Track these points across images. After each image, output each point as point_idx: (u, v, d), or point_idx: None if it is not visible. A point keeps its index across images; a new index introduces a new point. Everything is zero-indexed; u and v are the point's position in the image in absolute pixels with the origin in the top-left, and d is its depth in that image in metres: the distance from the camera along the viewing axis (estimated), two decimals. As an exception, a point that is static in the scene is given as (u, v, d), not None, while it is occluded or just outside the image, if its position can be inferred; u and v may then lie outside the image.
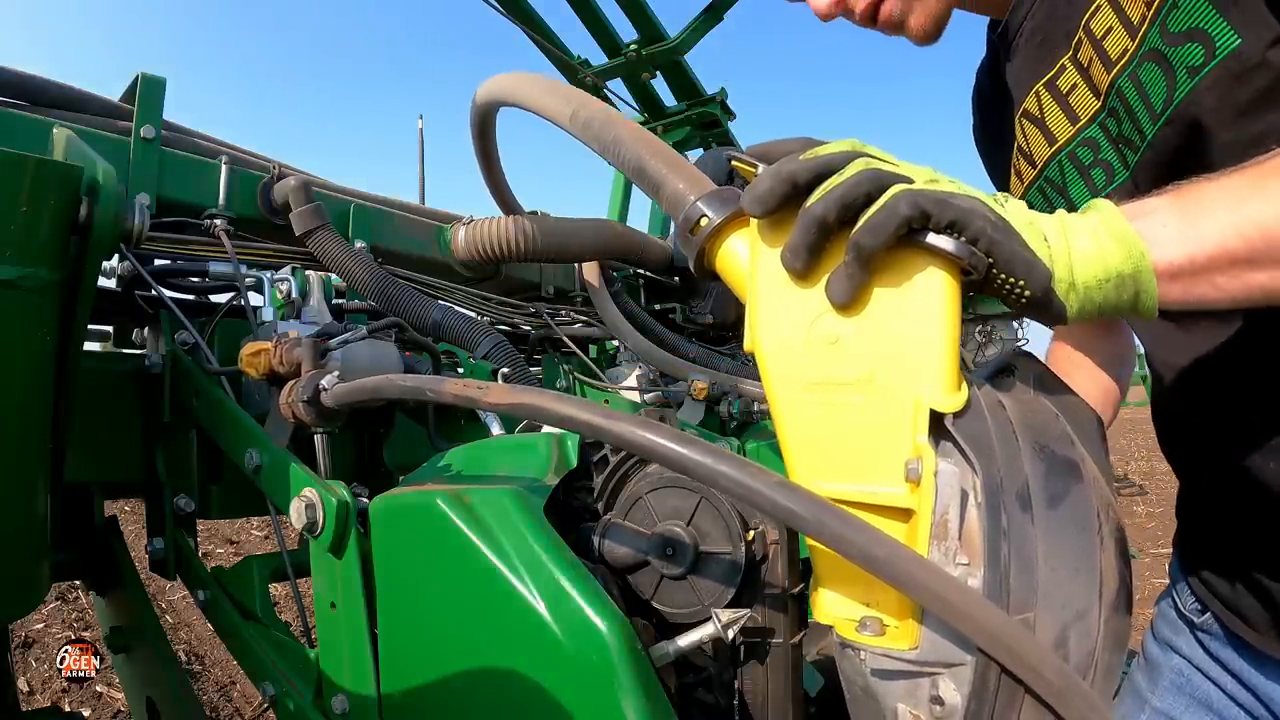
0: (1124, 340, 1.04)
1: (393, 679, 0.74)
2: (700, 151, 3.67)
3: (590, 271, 1.92)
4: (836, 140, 0.55)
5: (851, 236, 0.50)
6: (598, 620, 0.59)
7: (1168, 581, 0.96)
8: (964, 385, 0.52)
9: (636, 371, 1.98)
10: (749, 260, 0.58)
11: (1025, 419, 0.54)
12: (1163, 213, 0.52)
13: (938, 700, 0.50)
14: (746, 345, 0.57)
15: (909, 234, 0.50)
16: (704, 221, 0.62)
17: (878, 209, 0.49)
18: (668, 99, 3.58)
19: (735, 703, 0.70)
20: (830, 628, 0.56)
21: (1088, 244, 0.51)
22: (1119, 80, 0.71)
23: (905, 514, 0.52)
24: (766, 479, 0.47)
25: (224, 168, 1.31)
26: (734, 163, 0.61)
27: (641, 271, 2.14)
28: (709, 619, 0.65)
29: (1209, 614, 0.86)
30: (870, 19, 0.86)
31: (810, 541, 0.54)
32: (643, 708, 0.58)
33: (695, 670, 0.73)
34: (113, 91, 1.36)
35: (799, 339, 0.54)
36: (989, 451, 0.50)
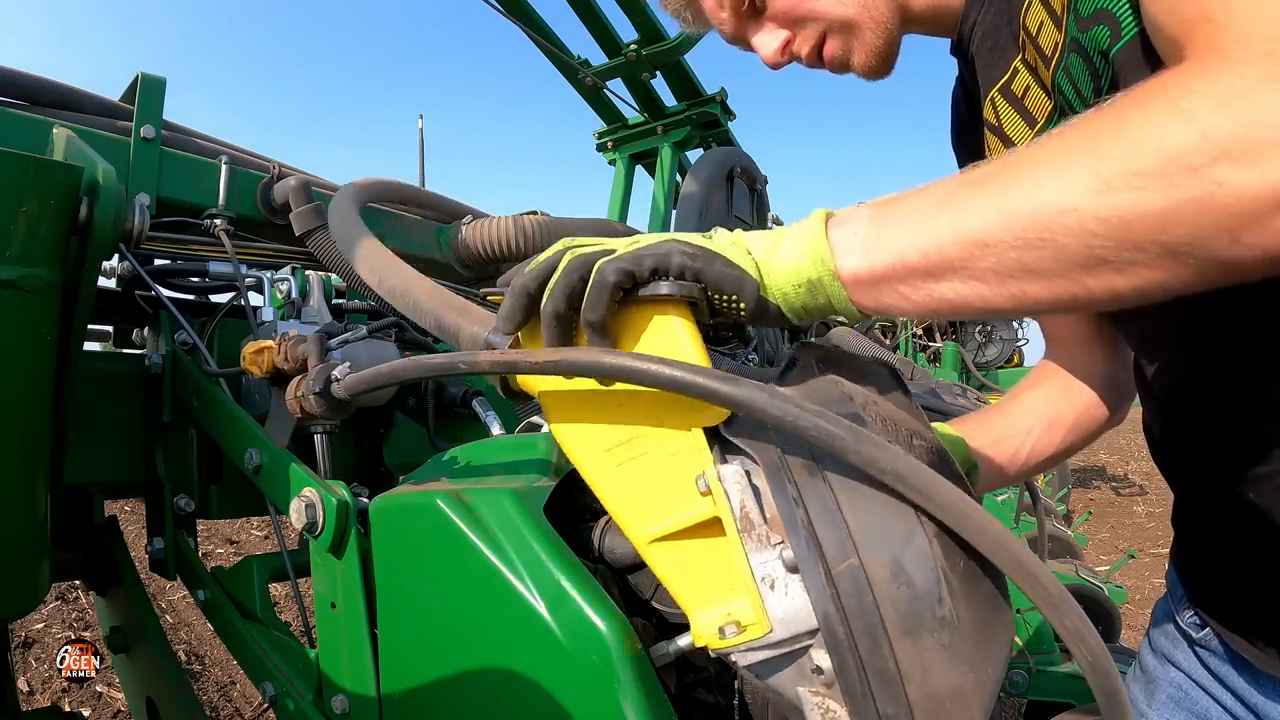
0: (1121, 360, 0.99)
1: (393, 679, 0.74)
2: (700, 151, 3.67)
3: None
4: (553, 245, 0.61)
5: (581, 318, 0.56)
6: (598, 620, 0.59)
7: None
8: None
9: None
10: None
11: (806, 397, 0.57)
12: (858, 222, 0.55)
13: (818, 670, 0.53)
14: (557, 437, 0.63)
15: (628, 294, 0.56)
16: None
17: (591, 287, 0.55)
18: (668, 99, 3.58)
19: (735, 703, 0.70)
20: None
21: (786, 253, 0.56)
22: (1056, 77, 0.70)
23: (716, 523, 0.56)
24: (786, 402, 0.49)
25: (224, 168, 1.31)
26: (488, 296, 0.68)
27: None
28: (709, 619, 0.65)
29: (1208, 629, 0.84)
30: (817, 60, 0.89)
31: (663, 575, 0.58)
32: (643, 708, 0.58)
33: (695, 670, 0.73)
34: (113, 91, 1.37)
35: (587, 417, 0.60)
36: (764, 439, 0.55)
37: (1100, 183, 0.45)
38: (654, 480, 0.58)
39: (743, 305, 0.55)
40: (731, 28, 0.92)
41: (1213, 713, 0.85)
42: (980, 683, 0.52)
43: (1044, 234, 0.46)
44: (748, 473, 0.56)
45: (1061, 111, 0.74)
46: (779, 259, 0.56)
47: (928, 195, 0.53)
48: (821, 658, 0.52)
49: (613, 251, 0.56)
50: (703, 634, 0.56)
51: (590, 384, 0.59)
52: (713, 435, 0.57)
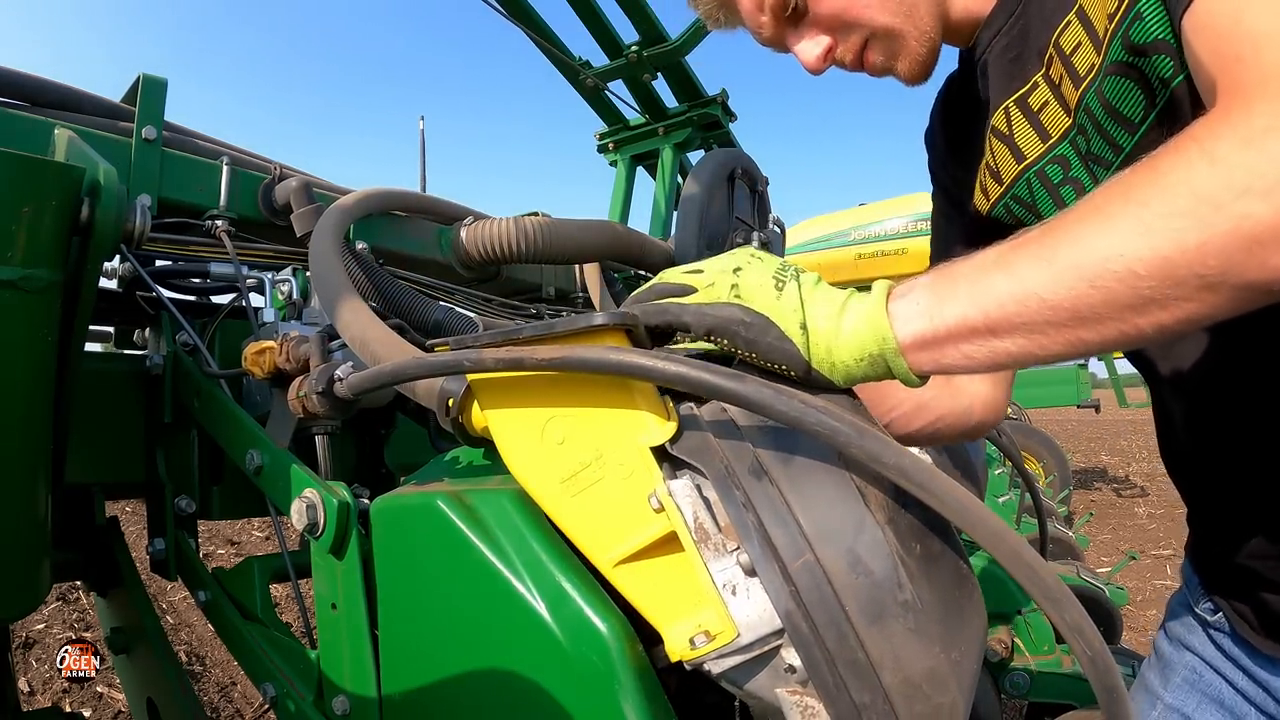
0: (1003, 384, 1.02)
1: (393, 680, 0.74)
2: (701, 153, 3.67)
3: (591, 273, 1.91)
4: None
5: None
6: (598, 620, 0.59)
7: (1171, 582, 0.95)
8: (673, 413, 0.60)
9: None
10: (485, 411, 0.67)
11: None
12: (919, 291, 0.58)
13: (791, 669, 0.53)
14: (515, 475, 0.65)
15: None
16: (451, 402, 0.72)
17: (656, 307, 0.62)
18: (669, 100, 3.59)
19: (735, 703, 0.70)
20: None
21: (848, 327, 0.58)
22: (1086, 96, 0.72)
23: (673, 538, 0.57)
24: (791, 399, 0.50)
25: (225, 169, 1.31)
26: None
27: (642, 273, 2.14)
28: (709, 620, 0.65)
29: (1221, 614, 0.87)
30: (859, 66, 0.90)
31: (631, 596, 0.59)
32: (643, 708, 0.58)
33: (695, 670, 0.73)
34: (111, 93, 1.37)
35: (538, 452, 0.62)
36: (709, 452, 0.57)
37: (1142, 226, 0.48)
38: (610, 505, 0.59)
39: (792, 373, 0.58)
40: (771, 32, 0.91)
41: (1225, 692, 0.87)
42: (954, 661, 0.52)
43: (1094, 281, 0.50)
44: (698, 485, 0.57)
45: (1080, 130, 0.75)
46: (842, 333, 0.58)
47: (981, 260, 0.56)
48: (792, 656, 0.52)
49: (692, 290, 0.62)
50: (675, 647, 0.56)
51: (540, 420, 0.62)
52: (660, 454, 0.58)
